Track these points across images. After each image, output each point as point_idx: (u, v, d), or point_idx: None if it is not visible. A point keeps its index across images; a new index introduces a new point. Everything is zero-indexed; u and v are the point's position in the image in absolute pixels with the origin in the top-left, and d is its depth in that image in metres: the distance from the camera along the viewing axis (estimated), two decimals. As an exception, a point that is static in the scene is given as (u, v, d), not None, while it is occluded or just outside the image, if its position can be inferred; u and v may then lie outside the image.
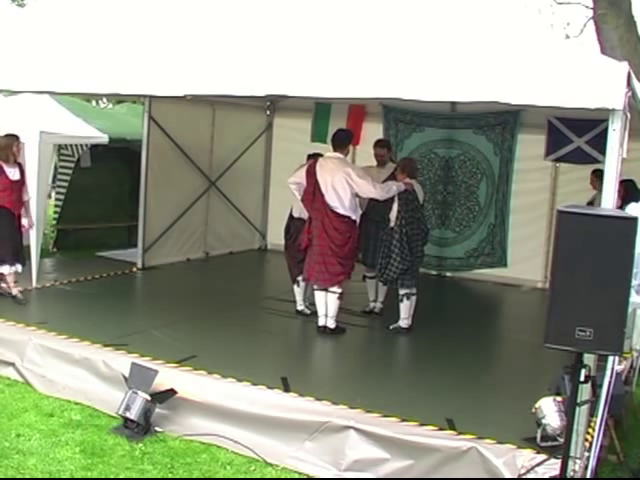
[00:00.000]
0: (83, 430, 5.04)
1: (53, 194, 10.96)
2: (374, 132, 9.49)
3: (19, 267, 7.38)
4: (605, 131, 4.07)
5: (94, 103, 17.75)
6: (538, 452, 4.32)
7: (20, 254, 7.39)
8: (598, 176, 8.51)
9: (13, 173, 7.21)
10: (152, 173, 9.44)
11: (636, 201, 7.79)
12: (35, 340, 5.96)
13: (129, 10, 5.82)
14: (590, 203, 8.36)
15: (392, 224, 6.86)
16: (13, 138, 7.33)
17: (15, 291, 7.28)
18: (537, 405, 4.51)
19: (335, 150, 6.81)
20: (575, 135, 9.28)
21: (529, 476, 4.21)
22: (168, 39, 5.31)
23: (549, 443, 4.40)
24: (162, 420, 5.12)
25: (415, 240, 6.85)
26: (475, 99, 4.29)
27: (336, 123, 9.96)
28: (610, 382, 4.33)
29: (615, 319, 3.39)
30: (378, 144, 7.76)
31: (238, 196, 11.00)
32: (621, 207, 7.99)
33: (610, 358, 4.30)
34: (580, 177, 8.87)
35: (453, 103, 9.31)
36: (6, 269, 7.25)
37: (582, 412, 4.09)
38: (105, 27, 5.72)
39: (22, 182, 7.37)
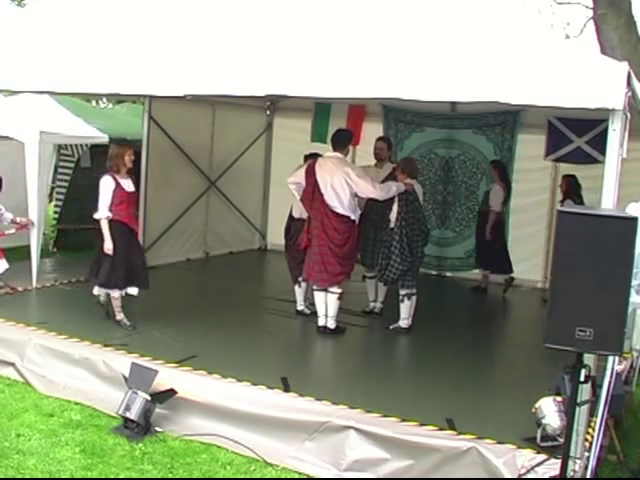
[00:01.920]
0: (83, 430, 5.05)
1: (53, 194, 10.96)
2: (374, 132, 9.48)
3: (134, 290, 6.68)
4: (605, 131, 4.07)
5: (94, 103, 17.74)
6: (538, 452, 4.33)
7: (138, 275, 6.65)
8: (495, 167, 9.14)
9: (127, 184, 6.57)
10: (152, 173, 9.43)
11: (577, 195, 8.46)
12: (35, 340, 5.97)
13: (129, 10, 5.82)
14: (487, 192, 9.19)
15: (392, 225, 6.86)
16: (125, 147, 6.67)
17: (120, 316, 6.65)
18: (537, 405, 4.52)
19: (335, 150, 6.81)
20: (575, 135, 9.27)
21: (529, 476, 4.21)
22: (168, 39, 5.31)
23: (549, 443, 4.40)
24: (162, 420, 5.12)
25: (415, 241, 6.85)
26: (475, 99, 4.30)
27: (336, 123, 9.96)
28: (610, 382, 4.33)
29: (615, 319, 3.39)
30: (379, 139, 7.81)
31: (238, 196, 11.00)
32: (563, 201, 8.52)
33: (610, 358, 4.31)
34: (580, 177, 8.85)
35: (453, 103, 9.31)
36: (116, 293, 6.61)
37: (582, 412, 4.09)
38: (105, 27, 5.72)
39: (136, 194, 6.78)
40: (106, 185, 6.47)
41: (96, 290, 6.70)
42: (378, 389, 5.46)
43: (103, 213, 6.47)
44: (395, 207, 6.86)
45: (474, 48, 4.36)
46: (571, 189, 8.46)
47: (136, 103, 12.27)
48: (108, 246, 6.41)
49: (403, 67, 4.42)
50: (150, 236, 9.54)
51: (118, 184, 6.47)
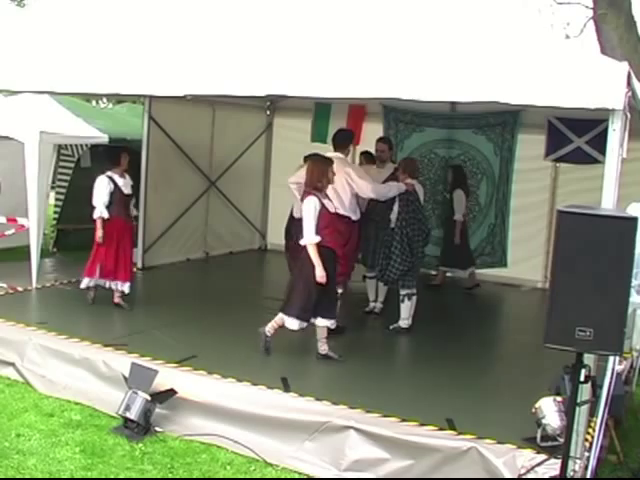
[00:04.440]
0: (83, 430, 5.05)
1: (53, 194, 10.95)
2: (374, 132, 9.48)
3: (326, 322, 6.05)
4: (605, 131, 4.07)
5: (94, 103, 17.74)
6: (538, 452, 4.33)
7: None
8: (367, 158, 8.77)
9: (331, 205, 6.02)
10: (152, 173, 9.43)
11: (463, 185, 8.90)
12: (35, 340, 5.97)
13: (129, 10, 5.82)
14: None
15: (393, 225, 6.86)
16: (328, 162, 6.01)
17: (325, 347, 6.03)
18: (537, 405, 4.51)
19: (336, 150, 6.80)
20: (575, 135, 9.27)
21: (529, 476, 4.21)
22: (168, 39, 5.31)
23: (549, 443, 4.40)
24: (162, 420, 5.12)
25: (416, 241, 6.85)
26: (475, 99, 4.30)
27: (336, 123, 9.97)
28: (610, 382, 4.34)
29: (615, 319, 3.39)
30: (380, 140, 7.79)
31: (238, 196, 10.99)
32: (451, 191, 9.00)
33: (610, 358, 4.31)
34: (580, 177, 8.88)
35: (453, 103, 9.31)
36: (322, 322, 6.00)
37: (582, 412, 4.09)
38: (105, 27, 5.72)
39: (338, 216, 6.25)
40: (312, 207, 5.79)
41: (291, 323, 6.00)
42: (378, 389, 5.46)
43: (312, 238, 5.78)
44: (396, 207, 6.86)
45: (474, 48, 4.36)
46: (458, 179, 8.95)
47: (136, 103, 12.27)
48: (321, 274, 5.72)
49: (403, 67, 4.42)
50: (150, 236, 9.54)
51: (323, 206, 5.87)
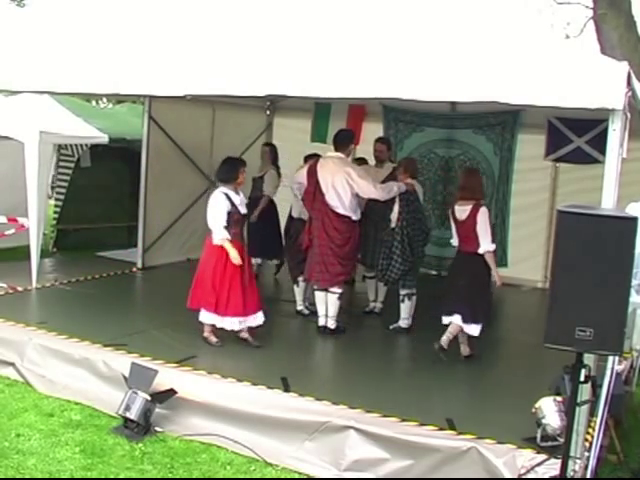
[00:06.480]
0: (83, 430, 5.05)
1: (53, 194, 10.96)
2: (374, 132, 9.48)
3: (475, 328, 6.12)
4: (605, 131, 4.07)
5: (94, 103, 17.75)
6: (538, 452, 4.33)
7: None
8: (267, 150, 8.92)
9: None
10: (152, 173, 9.43)
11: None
12: (35, 340, 5.97)
13: (129, 10, 5.82)
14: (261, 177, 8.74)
15: (393, 225, 6.85)
16: (477, 173, 6.30)
17: (467, 350, 6.27)
18: (537, 405, 4.52)
19: (336, 150, 6.80)
20: (575, 135, 9.27)
21: (529, 476, 4.21)
22: (168, 39, 5.31)
23: (549, 443, 4.40)
24: (162, 420, 5.12)
25: (416, 241, 6.85)
26: (475, 99, 4.30)
27: (336, 123, 9.96)
28: (610, 382, 4.34)
29: (615, 319, 3.39)
30: (379, 140, 7.78)
31: (238, 196, 10.98)
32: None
33: (610, 358, 4.31)
34: (580, 177, 8.87)
35: (453, 103, 9.30)
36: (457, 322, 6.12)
37: (582, 412, 4.09)
38: (105, 27, 5.72)
39: None
40: (488, 218, 6.06)
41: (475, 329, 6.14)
42: (378, 389, 5.46)
43: (491, 247, 6.00)
44: (396, 207, 6.85)
45: (474, 48, 4.36)
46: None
47: (136, 103, 12.27)
48: (499, 276, 6.21)
49: (403, 67, 4.42)
50: (150, 236, 9.54)
51: (490, 215, 6.15)
